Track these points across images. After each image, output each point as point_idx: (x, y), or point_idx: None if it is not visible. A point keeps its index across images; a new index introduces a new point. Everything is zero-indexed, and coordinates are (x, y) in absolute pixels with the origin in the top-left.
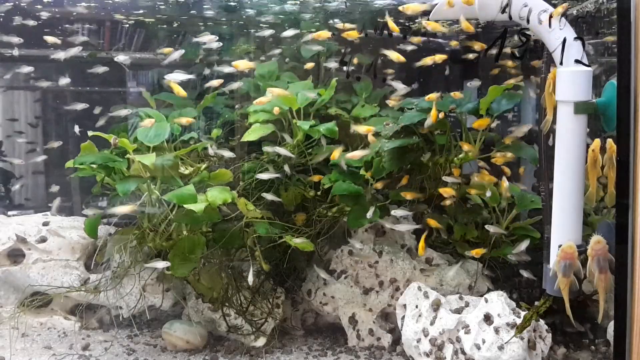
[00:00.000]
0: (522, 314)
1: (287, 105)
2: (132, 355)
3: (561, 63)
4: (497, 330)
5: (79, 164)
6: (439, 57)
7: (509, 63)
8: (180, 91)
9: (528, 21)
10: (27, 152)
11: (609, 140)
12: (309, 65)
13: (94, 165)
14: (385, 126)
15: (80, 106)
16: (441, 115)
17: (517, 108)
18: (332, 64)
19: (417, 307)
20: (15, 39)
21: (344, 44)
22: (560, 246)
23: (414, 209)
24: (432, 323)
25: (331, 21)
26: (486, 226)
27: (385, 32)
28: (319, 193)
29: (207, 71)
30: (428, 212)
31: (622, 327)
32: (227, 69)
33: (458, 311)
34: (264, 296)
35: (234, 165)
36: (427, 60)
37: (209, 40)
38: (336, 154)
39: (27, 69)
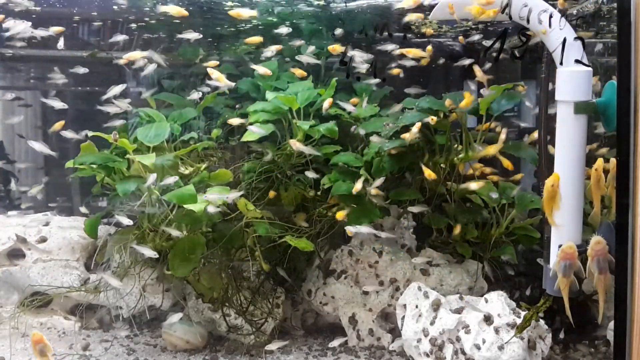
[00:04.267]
0: (522, 314)
1: (287, 105)
2: (132, 355)
3: (561, 63)
4: (497, 330)
5: (79, 164)
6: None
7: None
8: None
9: (528, 21)
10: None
11: (612, 160)
12: None
13: (94, 166)
14: (385, 126)
15: (117, 89)
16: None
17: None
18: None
19: (417, 307)
20: None
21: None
22: (560, 246)
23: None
24: (432, 323)
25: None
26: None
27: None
28: (318, 193)
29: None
30: (428, 211)
31: (622, 327)
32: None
33: (458, 311)
34: (264, 296)
35: (234, 165)
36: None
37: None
38: None
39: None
